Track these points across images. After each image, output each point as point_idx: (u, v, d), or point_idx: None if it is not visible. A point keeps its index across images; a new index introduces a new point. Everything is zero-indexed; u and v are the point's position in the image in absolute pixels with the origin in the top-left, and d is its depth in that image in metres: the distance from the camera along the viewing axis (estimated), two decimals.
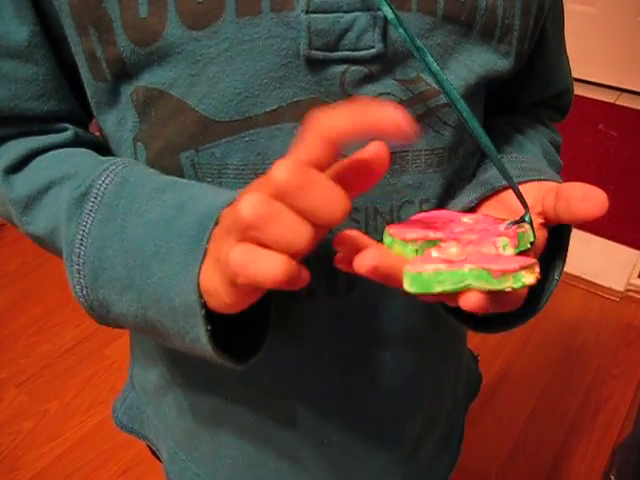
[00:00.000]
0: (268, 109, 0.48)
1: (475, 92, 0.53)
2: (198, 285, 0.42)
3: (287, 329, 0.57)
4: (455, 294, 0.41)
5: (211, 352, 0.45)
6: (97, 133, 0.60)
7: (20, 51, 0.52)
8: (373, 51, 0.47)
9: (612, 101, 3.32)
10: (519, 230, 0.45)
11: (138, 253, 0.46)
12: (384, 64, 0.48)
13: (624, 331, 2.11)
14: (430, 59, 0.44)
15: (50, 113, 0.55)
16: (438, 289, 0.41)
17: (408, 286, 0.41)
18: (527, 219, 0.46)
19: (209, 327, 0.43)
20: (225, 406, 0.64)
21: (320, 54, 0.47)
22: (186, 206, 0.46)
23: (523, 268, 0.41)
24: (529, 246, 0.46)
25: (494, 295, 0.42)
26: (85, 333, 2.12)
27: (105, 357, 2.03)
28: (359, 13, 0.46)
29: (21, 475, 1.73)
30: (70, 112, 0.57)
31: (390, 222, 0.54)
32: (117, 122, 0.53)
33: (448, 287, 0.41)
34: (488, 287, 0.41)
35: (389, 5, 0.44)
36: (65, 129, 0.56)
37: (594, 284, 2.27)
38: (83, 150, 0.56)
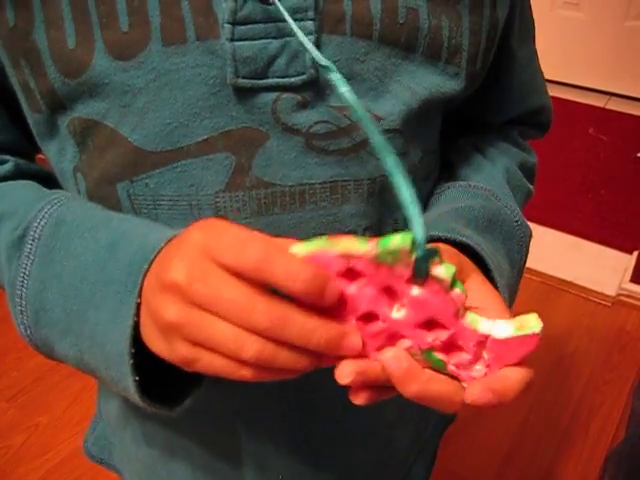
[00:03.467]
0: (199, 139, 0.48)
1: (422, 115, 0.52)
2: (131, 336, 0.42)
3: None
4: None
5: (139, 402, 0.44)
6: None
7: None
8: (304, 77, 0.47)
9: (602, 105, 3.32)
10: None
11: (75, 297, 0.46)
12: (317, 90, 0.48)
13: (616, 336, 2.11)
14: (345, 89, 0.41)
15: None
16: None
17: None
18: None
19: (137, 378, 0.43)
20: (177, 439, 0.63)
21: (248, 82, 0.46)
22: (118, 247, 0.45)
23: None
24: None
25: None
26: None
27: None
28: (289, 38, 0.46)
29: None
30: (11, 142, 0.57)
31: None
32: (58, 152, 0.53)
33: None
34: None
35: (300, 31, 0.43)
36: (5, 161, 0.56)
37: (585, 289, 2.27)
38: (24, 183, 0.56)
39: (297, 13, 0.46)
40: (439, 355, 0.41)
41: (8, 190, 0.55)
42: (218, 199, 0.50)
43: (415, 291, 0.38)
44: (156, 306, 0.40)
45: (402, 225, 0.56)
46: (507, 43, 0.58)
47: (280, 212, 0.50)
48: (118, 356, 0.43)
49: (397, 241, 0.36)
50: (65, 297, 0.47)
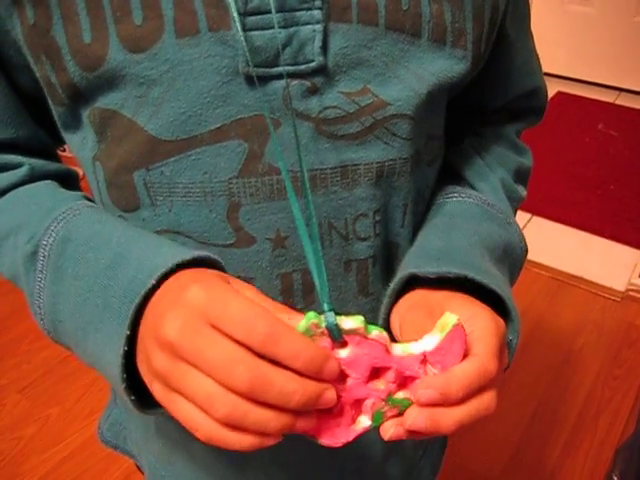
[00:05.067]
0: (212, 127, 0.49)
1: (429, 101, 0.53)
2: (122, 364, 0.44)
3: None
4: None
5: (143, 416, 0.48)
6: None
7: None
8: (313, 64, 0.48)
9: (611, 101, 3.31)
10: (377, 406, 0.44)
11: (80, 317, 0.49)
12: (327, 77, 0.49)
13: (626, 331, 2.11)
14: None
15: (7, 140, 0.57)
16: None
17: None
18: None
19: (133, 397, 0.45)
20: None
21: (259, 70, 0.48)
22: (116, 271, 0.48)
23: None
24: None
25: None
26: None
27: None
28: (298, 27, 0.47)
29: None
30: (29, 138, 0.59)
31: (345, 236, 0.54)
32: (79, 142, 0.55)
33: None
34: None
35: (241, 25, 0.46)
36: (21, 165, 0.58)
37: (595, 284, 2.26)
38: (41, 186, 0.58)
39: (305, 2, 0.47)
40: (400, 395, 0.43)
41: (23, 198, 0.57)
42: (231, 185, 0.51)
43: (343, 353, 0.42)
44: (147, 352, 0.42)
45: (411, 209, 0.58)
46: (502, 26, 0.59)
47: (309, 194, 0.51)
48: (114, 377, 0.46)
49: (303, 322, 0.41)
50: (72, 314, 0.50)
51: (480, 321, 0.47)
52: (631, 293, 2.23)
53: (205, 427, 0.40)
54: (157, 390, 0.42)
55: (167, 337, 0.40)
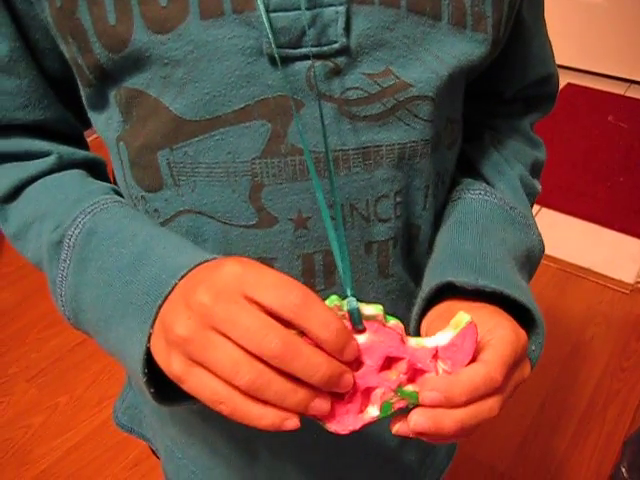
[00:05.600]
0: (236, 108, 0.50)
1: (450, 84, 0.53)
2: (145, 356, 0.45)
3: None
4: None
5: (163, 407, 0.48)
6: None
7: (1, 66, 0.54)
8: (336, 46, 0.48)
9: (621, 93, 3.30)
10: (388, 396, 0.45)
11: (102, 309, 0.50)
12: (349, 58, 0.49)
13: (634, 323, 2.10)
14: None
15: (37, 122, 0.58)
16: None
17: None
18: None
19: (152, 390, 0.46)
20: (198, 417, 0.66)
21: (283, 52, 0.48)
22: (140, 268, 0.48)
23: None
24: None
25: None
26: None
27: None
28: (321, 9, 0.47)
29: (32, 469, 1.74)
30: (57, 120, 0.59)
31: (367, 217, 0.55)
32: (105, 123, 0.55)
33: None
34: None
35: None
36: (49, 153, 0.59)
37: (604, 276, 2.25)
38: (68, 176, 0.59)
39: None
40: (409, 388, 0.44)
41: (51, 187, 0.58)
42: (254, 166, 0.51)
43: (361, 338, 0.43)
44: (171, 320, 0.42)
45: (432, 192, 0.58)
46: (519, 11, 0.59)
47: (333, 175, 0.51)
48: (135, 370, 0.46)
49: (325, 303, 0.42)
50: (94, 305, 0.51)
51: (500, 330, 0.47)
52: None
53: (229, 398, 0.40)
54: (176, 363, 0.41)
55: (201, 302, 0.40)
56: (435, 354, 0.44)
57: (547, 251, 2.42)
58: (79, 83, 0.54)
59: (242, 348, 0.39)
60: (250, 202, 0.52)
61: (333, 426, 0.44)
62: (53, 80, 0.57)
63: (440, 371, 0.44)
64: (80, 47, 0.50)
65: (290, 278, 0.40)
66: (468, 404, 0.43)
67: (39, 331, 2.10)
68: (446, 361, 0.44)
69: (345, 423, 0.44)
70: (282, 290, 0.39)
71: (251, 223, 0.53)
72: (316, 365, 0.39)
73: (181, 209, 0.54)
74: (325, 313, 0.39)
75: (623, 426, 1.80)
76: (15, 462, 1.75)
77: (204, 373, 0.40)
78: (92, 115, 0.57)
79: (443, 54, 0.52)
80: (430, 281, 0.53)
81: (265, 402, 0.40)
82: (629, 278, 2.24)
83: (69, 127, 0.61)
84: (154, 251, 0.49)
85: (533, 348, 0.52)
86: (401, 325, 0.44)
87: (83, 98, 0.56)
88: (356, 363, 0.43)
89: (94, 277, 0.51)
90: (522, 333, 0.48)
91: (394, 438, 0.68)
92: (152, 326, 0.45)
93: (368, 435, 0.67)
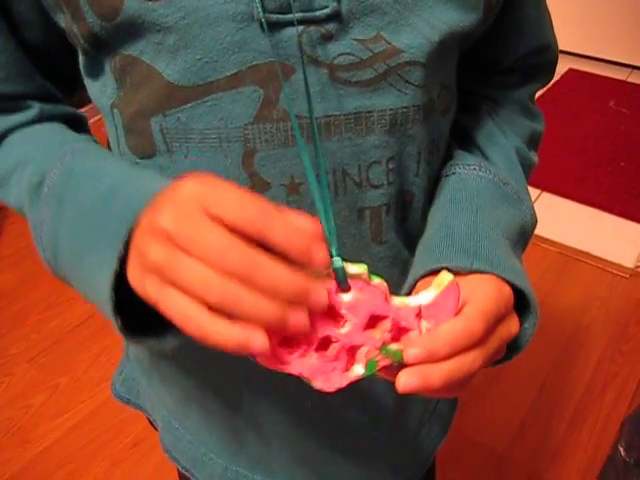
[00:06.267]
0: (228, 73, 0.49)
1: (441, 50, 0.53)
2: (112, 283, 0.44)
3: None
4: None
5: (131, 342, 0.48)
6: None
7: None
8: (327, 10, 0.48)
9: (623, 78, 3.29)
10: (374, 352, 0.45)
11: (76, 242, 0.50)
12: (340, 23, 0.49)
13: (634, 308, 2.11)
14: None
15: (17, 93, 0.58)
16: None
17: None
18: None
19: (120, 321, 0.46)
20: (211, 374, 0.66)
21: (274, 17, 0.48)
22: (113, 198, 0.48)
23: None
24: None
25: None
26: (95, 309, 2.12)
27: (115, 332, 2.04)
28: None
29: (32, 448, 1.75)
30: (37, 91, 0.60)
31: (359, 183, 0.55)
32: (99, 90, 0.56)
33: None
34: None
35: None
36: (31, 106, 0.59)
37: (604, 260, 2.26)
38: (50, 126, 0.60)
39: None
40: (394, 346, 0.45)
41: (33, 134, 0.59)
42: (247, 131, 0.51)
43: (346, 297, 0.44)
44: (144, 247, 0.42)
45: (425, 158, 0.58)
46: None
47: (306, 143, 0.51)
48: (105, 300, 0.45)
49: None
50: (69, 240, 0.51)
51: (482, 286, 0.48)
52: None
53: (196, 317, 0.39)
54: (150, 286, 0.41)
55: (162, 225, 0.40)
56: (419, 313, 0.45)
57: (547, 235, 2.43)
58: (77, 52, 0.55)
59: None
60: (243, 167, 0.52)
61: (319, 384, 0.44)
62: (35, 52, 0.58)
63: (424, 329, 0.45)
64: (74, 16, 0.50)
65: (251, 194, 0.40)
66: (451, 357, 0.44)
67: (39, 312, 2.11)
68: (429, 320, 0.45)
69: (331, 381, 0.44)
70: (242, 204, 0.39)
71: (244, 188, 0.53)
72: (281, 276, 0.38)
73: (174, 175, 0.54)
74: (286, 221, 0.38)
75: (621, 409, 1.81)
76: (16, 441, 1.76)
77: (176, 293, 0.39)
78: (87, 82, 0.57)
79: (435, 20, 0.52)
80: (424, 263, 0.53)
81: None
82: (629, 262, 2.25)
83: (51, 98, 0.62)
84: (129, 182, 0.49)
85: (526, 326, 0.53)
86: (385, 284, 0.44)
87: (81, 67, 0.56)
88: (340, 320, 0.44)
89: (70, 213, 0.51)
90: (506, 289, 0.49)
91: (388, 410, 0.69)
92: (124, 249, 0.44)
93: (361, 401, 0.67)
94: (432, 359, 0.43)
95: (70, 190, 0.51)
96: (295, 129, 0.48)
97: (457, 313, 0.45)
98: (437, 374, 0.43)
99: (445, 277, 0.45)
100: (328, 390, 0.44)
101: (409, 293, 0.54)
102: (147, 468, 1.71)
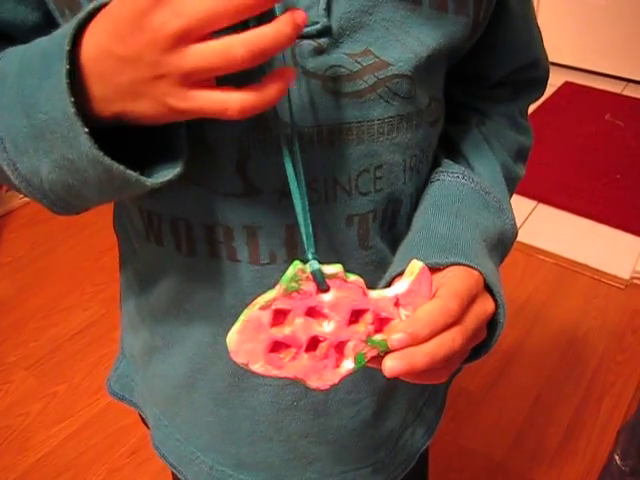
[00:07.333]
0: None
1: (429, 64, 0.55)
2: (68, 73, 0.42)
3: None
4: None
5: (101, 164, 0.44)
6: None
7: None
8: (318, 26, 0.50)
9: (619, 91, 3.32)
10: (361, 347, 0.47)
11: (16, 91, 0.46)
12: (332, 38, 0.51)
13: (629, 318, 2.12)
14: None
15: None
16: None
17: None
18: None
19: (86, 130, 0.43)
20: (200, 371, 0.67)
21: None
22: (54, 35, 0.46)
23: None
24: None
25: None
26: (93, 317, 2.14)
27: (113, 340, 2.04)
28: None
29: (30, 456, 1.74)
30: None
31: (349, 191, 0.56)
32: None
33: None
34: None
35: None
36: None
37: (599, 271, 2.27)
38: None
39: None
40: (378, 337, 0.47)
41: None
42: (242, 137, 0.52)
43: (327, 297, 0.46)
44: (154, 27, 0.40)
45: (413, 167, 0.59)
46: None
47: (299, 152, 0.52)
48: (64, 116, 0.43)
49: (290, 268, 0.45)
50: (19, 100, 0.47)
51: (452, 271, 0.51)
52: (635, 281, 2.24)
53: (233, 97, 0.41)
54: (174, 95, 0.41)
55: (153, 21, 0.39)
56: (396, 302, 0.47)
57: (544, 246, 2.45)
58: None
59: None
60: (237, 172, 0.53)
61: (314, 383, 0.46)
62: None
63: (403, 317, 0.47)
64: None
65: None
66: (432, 337, 0.45)
67: (37, 320, 2.12)
68: (407, 307, 0.47)
69: (324, 378, 0.47)
70: None
71: (237, 192, 0.55)
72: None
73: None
74: None
75: (617, 418, 1.81)
76: (14, 449, 1.76)
77: (203, 92, 0.41)
78: None
79: (424, 36, 0.53)
80: (402, 261, 0.54)
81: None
82: (624, 273, 2.26)
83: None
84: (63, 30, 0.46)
85: (499, 311, 0.54)
86: (361, 280, 0.46)
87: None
88: (327, 319, 0.46)
89: (8, 88, 0.47)
90: (474, 273, 0.51)
91: (371, 406, 0.70)
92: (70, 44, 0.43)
93: (344, 402, 0.68)
94: (415, 342, 0.45)
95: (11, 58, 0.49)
96: (282, 137, 0.49)
97: (432, 297, 0.48)
98: (420, 355, 0.45)
99: (415, 265, 0.47)
100: (323, 388, 0.47)
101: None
102: (144, 476, 1.71)
